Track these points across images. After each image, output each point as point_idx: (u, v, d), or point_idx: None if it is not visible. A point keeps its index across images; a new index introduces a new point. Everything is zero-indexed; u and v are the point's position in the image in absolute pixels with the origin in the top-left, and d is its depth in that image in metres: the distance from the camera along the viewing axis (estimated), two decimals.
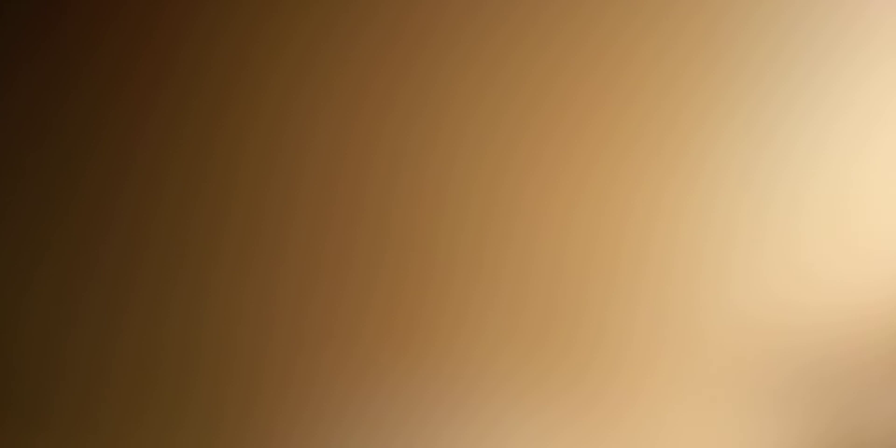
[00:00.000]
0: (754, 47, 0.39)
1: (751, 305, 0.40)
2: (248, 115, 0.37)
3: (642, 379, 0.40)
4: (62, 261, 0.37)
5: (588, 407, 0.41)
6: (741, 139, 0.39)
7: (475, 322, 0.39)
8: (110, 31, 0.36)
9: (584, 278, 0.39)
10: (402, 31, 0.37)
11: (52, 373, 0.38)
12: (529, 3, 0.37)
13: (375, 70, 0.37)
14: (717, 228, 0.40)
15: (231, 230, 0.38)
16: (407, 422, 0.40)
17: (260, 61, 0.37)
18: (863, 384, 0.42)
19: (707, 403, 0.41)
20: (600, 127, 0.38)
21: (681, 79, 0.38)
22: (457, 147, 0.38)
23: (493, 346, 0.40)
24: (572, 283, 0.39)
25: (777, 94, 0.39)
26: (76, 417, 0.38)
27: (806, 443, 0.42)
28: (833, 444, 0.42)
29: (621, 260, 0.39)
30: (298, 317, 0.38)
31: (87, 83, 0.36)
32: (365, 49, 0.37)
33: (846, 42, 0.39)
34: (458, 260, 0.39)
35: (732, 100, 0.39)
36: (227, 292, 0.38)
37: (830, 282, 0.41)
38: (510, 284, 0.39)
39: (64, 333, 0.38)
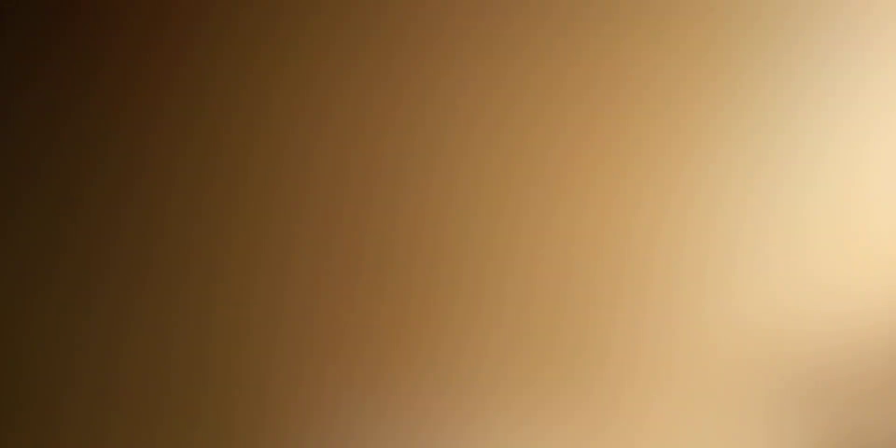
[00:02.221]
0: (760, 50, 0.39)
1: (755, 313, 0.40)
2: (257, 118, 0.37)
3: (651, 389, 0.40)
4: (72, 265, 0.37)
5: (599, 417, 0.41)
6: (744, 147, 0.39)
7: (483, 331, 0.39)
8: (120, 36, 0.36)
9: (591, 285, 0.39)
10: (409, 34, 0.37)
11: (61, 377, 0.38)
12: (536, 6, 0.37)
13: (383, 73, 0.37)
14: (721, 237, 0.40)
15: (239, 236, 0.38)
16: (414, 435, 0.40)
17: (268, 64, 0.37)
18: (861, 392, 0.42)
19: (715, 412, 0.41)
20: (604, 133, 0.38)
21: (682, 87, 0.38)
22: (462, 154, 0.38)
23: (500, 356, 0.40)
24: (579, 290, 0.39)
25: (779, 100, 0.39)
26: (86, 422, 0.38)
27: (810, 444, 0.42)
28: (837, 445, 0.42)
29: (626, 268, 0.39)
30: (305, 327, 0.38)
31: (97, 87, 0.36)
32: (372, 51, 0.37)
33: (850, 44, 0.39)
34: (465, 269, 0.39)
35: (735, 107, 0.39)
36: (236, 298, 0.38)
37: (834, 289, 0.41)
38: (516, 294, 0.39)
39: (74, 338, 0.38)
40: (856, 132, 0.40)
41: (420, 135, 0.38)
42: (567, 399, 0.40)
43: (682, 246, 0.40)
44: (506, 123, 0.38)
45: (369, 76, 0.37)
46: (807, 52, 0.39)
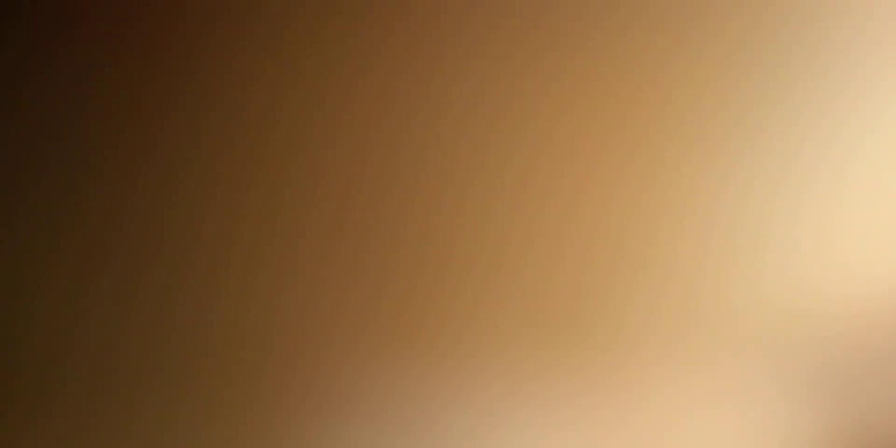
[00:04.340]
0: (765, 44, 0.38)
1: (784, 293, 0.40)
2: (269, 117, 0.38)
3: (673, 368, 0.40)
4: (73, 258, 0.38)
5: (614, 396, 0.40)
6: (781, 133, 0.39)
7: (492, 313, 0.39)
8: (130, 35, 0.37)
9: (614, 268, 0.39)
10: (430, 32, 0.38)
11: (56, 369, 0.38)
12: (533, 3, 0.37)
13: (396, 77, 0.38)
14: (753, 217, 0.39)
15: (246, 219, 0.38)
16: (418, 409, 0.40)
17: (279, 70, 0.37)
18: (891, 371, 0.41)
19: (738, 390, 0.41)
20: (644, 113, 0.38)
21: (687, 86, 0.38)
22: (489, 140, 0.38)
23: (511, 337, 0.39)
24: (600, 274, 0.39)
25: (821, 88, 0.39)
26: (80, 410, 0.39)
27: (834, 428, 0.41)
28: (861, 430, 0.41)
29: (652, 249, 0.39)
30: (310, 301, 0.39)
31: (104, 87, 0.37)
32: (391, 51, 0.37)
33: (867, 37, 0.39)
34: (480, 249, 0.39)
35: (778, 91, 0.39)
36: (238, 284, 0.38)
37: (863, 271, 0.40)
38: (533, 273, 0.39)
39: (71, 328, 0.38)
40: (893, 120, 0.40)
41: (441, 126, 0.38)
42: (585, 371, 0.40)
43: (713, 230, 0.39)
44: (534, 114, 0.38)
45: (384, 79, 0.38)
46: (813, 51, 0.39)
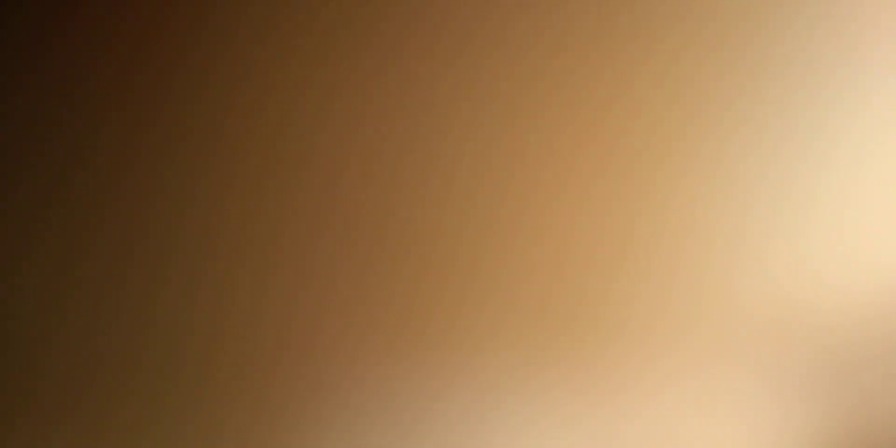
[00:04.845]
0: (766, 54, 0.39)
1: (788, 281, 0.40)
2: (253, 118, 0.37)
3: (670, 367, 0.41)
4: (55, 255, 0.37)
5: (602, 391, 0.41)
6: (787, 134, 0.40)
7: (472, 314, 0.40)
8: (120, 32, 0.36)
9: (616, 269, 0.40)
10: (412, 34, 0.37)
11: (37, 368, 0.38)
12: (541, 8, 0.37)
13: (384, 74, 0.37)
14: (727, 229, 0.40)
15: (228, 220, 0.38)
16: (403, 408, 0.40)
17: (265, 66, 0.37)
18: (882, 374, 0.42)
19: (735, 390, 0.41)
20: (650, 116, 0.38)
21: (694, 83, 0.38)
22: (468, 144, 0.38)
23: (498, 335, 0.40)
24: (602, 275, 0.40)
25: (792, 100, 0.39)
26: (60, 411, 0.39)
27: (829, 425, 0.42)
28: (854, 428, 0.42)
29: (656, 250, 0.40)
30: (291, 300, 0.38)
31: (93, 82, 0.37)
32: (373, 52, 0.37)
33: (862, 47, 0.39)
34: (460, 250, 0.39)
35: (747, 105, 0.39)
36: (222, 283, 0.38)
37: (838, 284, 0.41)
38: (512, 276, 0.39)
39: (52, 326, 0.38)
40: (864, 134, 0.40)
41: (420, 135, 0.38)
42: (586, 358, 0.40)
43: (686, 242, 0.40)
44: (512, 117, 0.38)
45: (370, 77, 0.37)
46: (814, 55, 0.39)
